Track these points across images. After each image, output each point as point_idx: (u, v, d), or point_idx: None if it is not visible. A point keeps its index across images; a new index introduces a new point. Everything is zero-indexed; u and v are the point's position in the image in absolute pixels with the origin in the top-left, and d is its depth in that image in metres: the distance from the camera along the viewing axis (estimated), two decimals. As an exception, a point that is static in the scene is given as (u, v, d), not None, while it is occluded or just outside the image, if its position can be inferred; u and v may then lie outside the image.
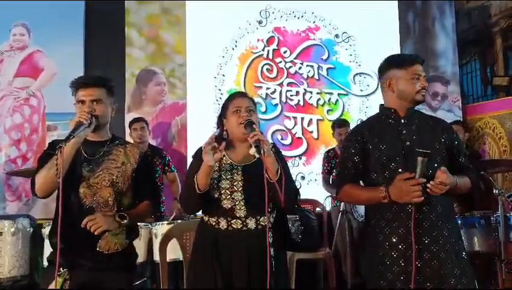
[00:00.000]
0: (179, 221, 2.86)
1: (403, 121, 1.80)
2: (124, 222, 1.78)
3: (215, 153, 1.66)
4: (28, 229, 3.13)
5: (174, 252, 2.55)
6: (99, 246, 1.76)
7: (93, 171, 1.81)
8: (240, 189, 1.75)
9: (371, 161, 1.77)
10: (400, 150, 1.74)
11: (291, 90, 4.73)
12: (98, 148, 1.86)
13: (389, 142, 1.76)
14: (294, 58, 4.76)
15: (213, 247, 1.70)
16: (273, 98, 4.70)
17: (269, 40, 4.76)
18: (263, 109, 4.66)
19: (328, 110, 4.76)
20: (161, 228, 2.83)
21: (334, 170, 4.01)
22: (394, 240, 1.67)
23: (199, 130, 4.50)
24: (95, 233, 1.72)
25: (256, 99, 4.65)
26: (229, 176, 1.76)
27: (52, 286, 1.65)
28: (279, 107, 4.70)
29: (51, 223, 3.14)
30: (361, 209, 3.20)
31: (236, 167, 1.80)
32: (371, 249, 1.75)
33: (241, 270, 1.67)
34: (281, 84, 4.72)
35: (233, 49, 4.69)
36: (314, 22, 4.85)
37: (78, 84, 1.85)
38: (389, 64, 1.84)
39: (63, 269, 1.70)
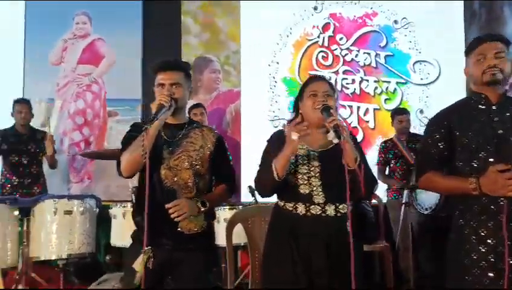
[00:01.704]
0: (241, 206, 2.87)
1: (494, 107, 1.69)
2: (204, 209, 1.81)
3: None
4: (94, 209, 3.25)
5: (234, 237, 2.56)
6: (180, 226, 1.80)
7: (173, 153, 1.85)
8: (317, 174, 1.71)
9: (458, 148, 1.68)
10: (491, 138, 1.63)
11: (347, 78, 4.61)
12: (177, 131, 1.89)
13: (478, 129, 1.65)
14: (351, 46, 4.63)
15: (290, 234, 1.69)
16: (328, 87, 4.60)
17: (325, 27, 4.65)
18: (317, 97, 4.58)
19: (385, 99, 4.61)
20: (223, 213, 2.86)
21: (392, 161, 3.89)
22: (483, 234, 1.58)
23: (253, 118, 4.51)
24: (177, 220, 1.75)
25: (310, 88, 4.70)
26: (305, 161, 1.73)
27: (137, 262, 1.70)
28: (334, 95, 4.59)
29: (118, 204, 3.31)
30: (426, 201, 3.08)
31: (313, 152, 1.76)
32: (455, 242, 1.67)
33: (319, 258, 1.64)
34: (336, 72, 4.61)
35: (287, 36, 4.63)
36: (371, 8, 4.68)
37: (157, 68, 1.87)
38: (465, 52, 1.78)
39: (146, 247, 1.74)
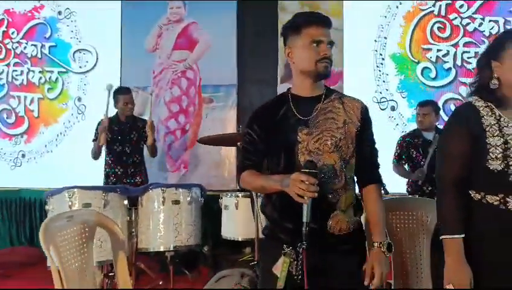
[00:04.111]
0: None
1: None
2: (390, 254, 1.49)
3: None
4: (199, 199, 3.08)
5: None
6: (329, 226, 1.47)
7: (311, 134, 1.50)
8: None
9: None
10: None
11: (468, 52, 3.99)
12: (312, 105, 1.53)
13: None
14: (473, 14, 4.00)
15: (501, 236, 1.28)
16: (446, 62, 4.03)
17: (441, -6, 4.07)
18: (433, 74, 4.03)
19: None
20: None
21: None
22: None
23: (357, 101, 4.08)
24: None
25: (424, 64, 4.15)
26: None
27: (277, 266, 1.40)
28: (453, 72, 4.01)
29: (229, 194, 3.09)
30: None
31: None
32: None
33: None
34: (455, 45, 4.01)
35: (397, 7, 4.12)
36: (498, -32, 4.00)
37: (311, 20, 1.50)
38: None
39: (287, 247, 1.44)
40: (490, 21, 3.97)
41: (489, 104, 1.40)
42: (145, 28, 4.51)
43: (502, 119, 1.36)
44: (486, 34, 3.97)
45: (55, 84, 4.72)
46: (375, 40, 4.13)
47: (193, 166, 4.37)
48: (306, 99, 1.54)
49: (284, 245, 1.45)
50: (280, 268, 1.44)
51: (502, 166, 1.31)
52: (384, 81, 4.13)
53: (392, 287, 2.05)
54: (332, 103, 1.53)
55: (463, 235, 1.34)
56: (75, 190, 2.77)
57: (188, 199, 2.98)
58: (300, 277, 1.40)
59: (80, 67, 4.68)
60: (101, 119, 3.53)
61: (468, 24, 4.00)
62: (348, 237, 1.48)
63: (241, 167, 1.61)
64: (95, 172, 3.70)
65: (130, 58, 4.52)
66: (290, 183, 1.36)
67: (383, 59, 4.12)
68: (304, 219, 1.36)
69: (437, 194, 1.42)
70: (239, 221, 2.91)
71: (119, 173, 3.63)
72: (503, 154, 1.31)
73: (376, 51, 4.14)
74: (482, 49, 3.96)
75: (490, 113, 1.38)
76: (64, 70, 4.71)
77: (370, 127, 1.57)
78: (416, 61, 4.07)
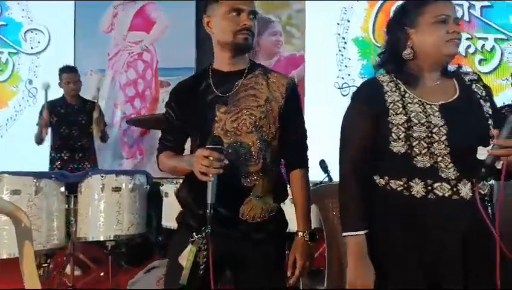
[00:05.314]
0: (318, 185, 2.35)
1: None
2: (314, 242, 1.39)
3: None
4: (144, 186, 2.93)
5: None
6: (242, 213, 1.34)
7: (229, 113, 1.36)
8: (443, 138, 1.16)
9: None
10: None
11: (432, 36, 3.88)
12: (233, 81, 1.39)
13: None
14: (438, -3, 3.88)
15: (403, 225, 1.15)
16: (409, 47, 3.91)
17: (405, -24, 3.93)
18: (396, 59, 3.91)
19: (480, 60, 3.83)
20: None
21: None
22: None
23: (318, 85, 3.96)
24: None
25: (387, 49, 4.04)
26: (423, 120, 1.18)
27: (183, 255, 1.27)
28: (415, 57, 3.90)
29: (170, 181, 2.95)
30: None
31: (430, 106, 1.21)
32: None
33: (452, 259, 1.11)
34: (419, 30, 3.89)
35: (361, -11, 3.99)
36: (463, -51, 3.88)
37: None
38: None
39: (196, 235, 1.30)
40: (455, 5, 3.85)
41: (394, 79, 1.26)
42: (100, 7, 4.30)
43: (406, 95, 1.22)
44: (450, 18, 3.86)
45: (5, 65, 4.48)
46: (338, 23, 4.00)
47: (149, 153, 4.20)
48: (227, 74, 1.40)
49: (194, 233, 1.31)
50: (186, 257, 1.32)
51: (405, 148, 1.17)
52: (346, 66, 4.00)
53: (325, 277, 1.96)
54: (256, 79, 1.40)
55: (366, 231, 1.18)
56: (4, 175, 2.59)
57: (130, 186, 2.82)
58: (204, 265, 1.27)
59: (32, 48, 4.45)
60: (42, 107, 3.39)
61: (432, 8, 3.88)
62: (262, 225, 1.36)
63: (159, 148, 1.48)
64: (46, 158, 3.53)
65: (84, 39, 4.31)
66: (194, 160, 1.23)
67: (345, 43, 3.99)
68: (209, 200, 1.22)
69: (339, 184, 1.26)
70: (179, 209, 2.78)
71: (65, 158, 3.46)
72: (406, 134, 1.16)
73: (339, 34, 4.00)
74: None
75: (395, 89, 1.23)
76: (15, 51, 4.47)
77: (297, 106, 1.44)
78: (380, 45, 3.94)
